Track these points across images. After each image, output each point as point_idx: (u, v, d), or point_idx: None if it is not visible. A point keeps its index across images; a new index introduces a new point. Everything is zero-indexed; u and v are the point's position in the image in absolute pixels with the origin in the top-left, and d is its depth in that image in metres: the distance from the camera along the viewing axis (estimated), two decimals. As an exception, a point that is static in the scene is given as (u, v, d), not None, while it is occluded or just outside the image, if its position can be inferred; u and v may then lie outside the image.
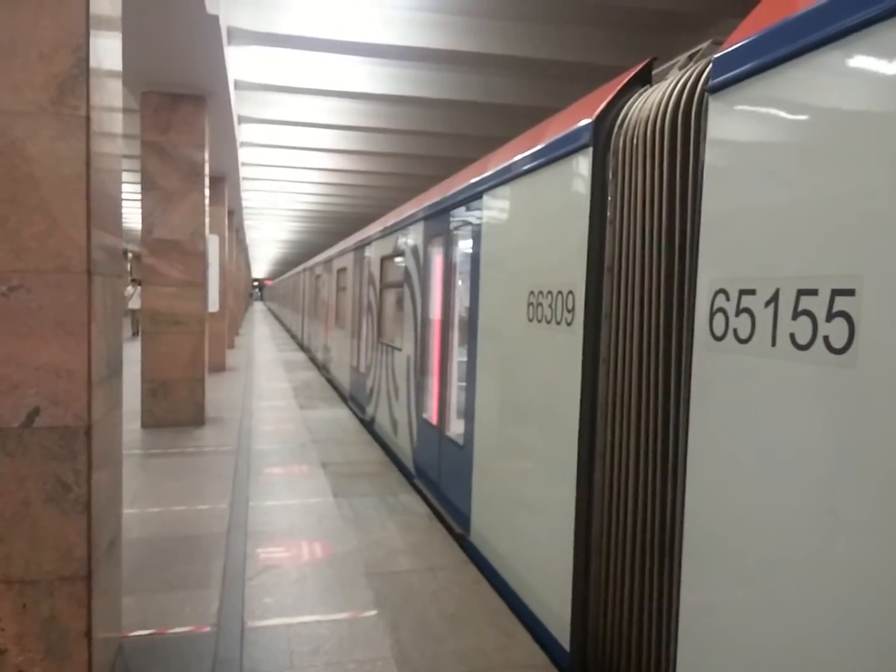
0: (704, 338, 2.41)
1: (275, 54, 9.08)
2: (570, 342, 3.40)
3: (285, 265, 60.40)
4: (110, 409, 2.91)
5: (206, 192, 8.81)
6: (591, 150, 3.31)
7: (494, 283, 4.59)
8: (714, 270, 2.38)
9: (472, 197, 5.07)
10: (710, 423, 2.40)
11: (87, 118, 2.52)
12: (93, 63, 2.55)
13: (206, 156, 8.75)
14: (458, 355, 5.62)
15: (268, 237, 37.31)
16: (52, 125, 2.48)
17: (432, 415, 6.18)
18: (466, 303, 5.26)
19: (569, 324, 3.45)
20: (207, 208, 8.91)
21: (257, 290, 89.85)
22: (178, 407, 8.63)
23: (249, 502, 5.71)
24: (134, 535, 4.76)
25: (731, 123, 2.37)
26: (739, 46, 2.32)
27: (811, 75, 2.02)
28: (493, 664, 3.33)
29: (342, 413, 10.30)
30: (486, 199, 4.76)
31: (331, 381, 14.25)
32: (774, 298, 2.08)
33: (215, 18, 6.09)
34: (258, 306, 77.04)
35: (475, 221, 5.01)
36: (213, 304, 10.22)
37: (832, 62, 1.94)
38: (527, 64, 8.15)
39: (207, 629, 3.58)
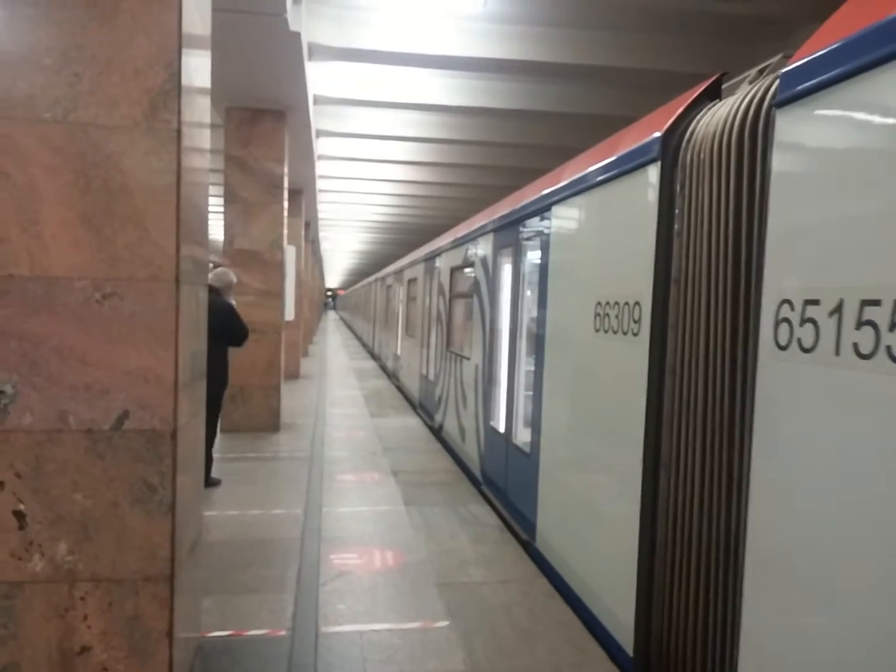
0: (769, 347, 2.44)
1: (352, 69, 9.25)
2: (636, 352, 3.46)
3: (357, 275, 61.41)
4: (194, 413, 3.00)
5: (285, 204, 9.05)
6: (659, 163, 3.39)
7: (562, 294, 4.70)
8: (779, 281, 2.42)
9: (541, 209, 5.16)
10: (774, 433, 2.43)
11: (179, 132, 2.61)
12: (184, 80, 2.65)
13: (286, 169, 8.99)
14: (526, 365, 5.69)
15: (341, 248, 38.03)
16: (146, 139, 2.58)
17: (500, 423, 6.30)
18: (534, 313, 5.38)
19: (635, 334, 3.50)
20: (286, 220, 9.14)
21: (330, 299, 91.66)
22: (254, 413, 8.84)
23: (323, 508, 5.78)
24: (213, 537, 4.89)
25: (798, 138, 2.44)
26: (804, 63, 2.39)
27: (875, 90, 2.07)
28: (567, 683, 3.26)
29: (412, 421, 10.35)
30: (555, 210, 4.85)
31: (400, 389, 14.49)
32: (838, 309, 2.11)
33: (297, 35, 6.25)
34: (331, 315, 78.58)
35: (544, 233, 5.09)
36: (289, 313, 10.44)
37: (892, 78, 1.98)
38: (600, 73, 8.05)
39: (283, 633, 3.62)
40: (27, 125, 2.50)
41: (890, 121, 2.01)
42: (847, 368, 2.06)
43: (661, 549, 3.28)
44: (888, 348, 1.91)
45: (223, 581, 4.22)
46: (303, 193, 14.67)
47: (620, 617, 3.54)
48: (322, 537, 5.08)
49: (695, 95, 3.41)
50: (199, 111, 2.98)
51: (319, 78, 9.25)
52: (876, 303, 1.96)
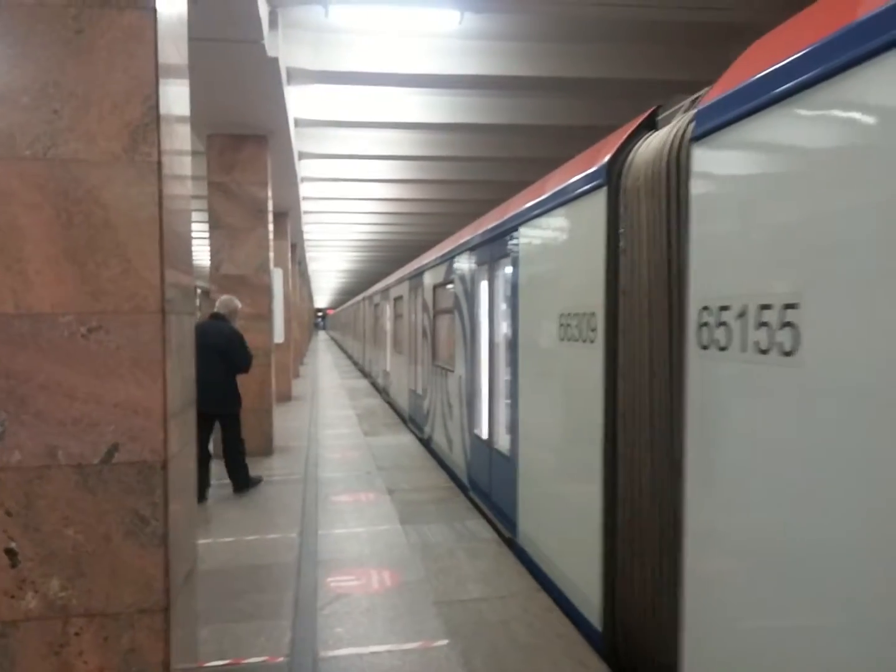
0: (694, 347, 2.84)
1: (332, 91, 9.33)
2: (594, 357, 3.90)
3: (346, 294, 61.41)
4: (185, 442, 3.00)
5: (270, 227, 9.07)
6: (605, 188, 3.78)
7: (531, 307, 5.14)
8: (699, 291, 2.84)
9: (510, 229, 5.60)
10: (702, 423, 2.82)
11: (159, 163, 2.63)
12: (163, 111, 2.67)
13: (270, 192, 9.03)
14: (504, 374, 6.05)
15: (329, 268, 38.05)
16: (126, 172, 2.60)
17: (483, 430, 6.69)
18: (508, 326, 5.80)
19: (592, 342, 3.94)
20: (272, 243, 9.16)
21: (320, 319, 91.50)
22: (247, 437, 8.78)
23: (318, 531, 5.77)
24: (208, 565, 4.86)
25: (709, 168, 2.87)
26: (711, 105, 2.83)
27: (766, 128, 2.49)
28: (568, 696, 3.26)
29: (406, 439, 10.34)
30: (521, 230, 5.31)
31: (391, 405, 14.76)
32: (744, 313, 2.51)
33: (275, 61, 6.31)
34: (321, 335, 78.41)
35: (513, 251, 5.53)
36: (279, 336, 10.44)
37: (782, 119, 2.39)
38: (580, 84, 8.15)
39: (281, 659, 3.61)
40: (7, 163, 2.51)
41: (778, 156, 2.44)
42: (751, 363, 2.46)
43: (620, 532, 3.65)
44: (780, 344, 2.31)
45: (220, 609, 4.20)
46: (288, 216, 14.71)
47: (590, 597, 3.94)
48: (318, 560, 5.06)
49: (634, 127, 3.83)
50: (179, 140, 3.00)
51: (300, 101, 9.32)
52: (768, 307, 2.37)
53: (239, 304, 7.20)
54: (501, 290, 6.09)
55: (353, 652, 3.67)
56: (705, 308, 2.76)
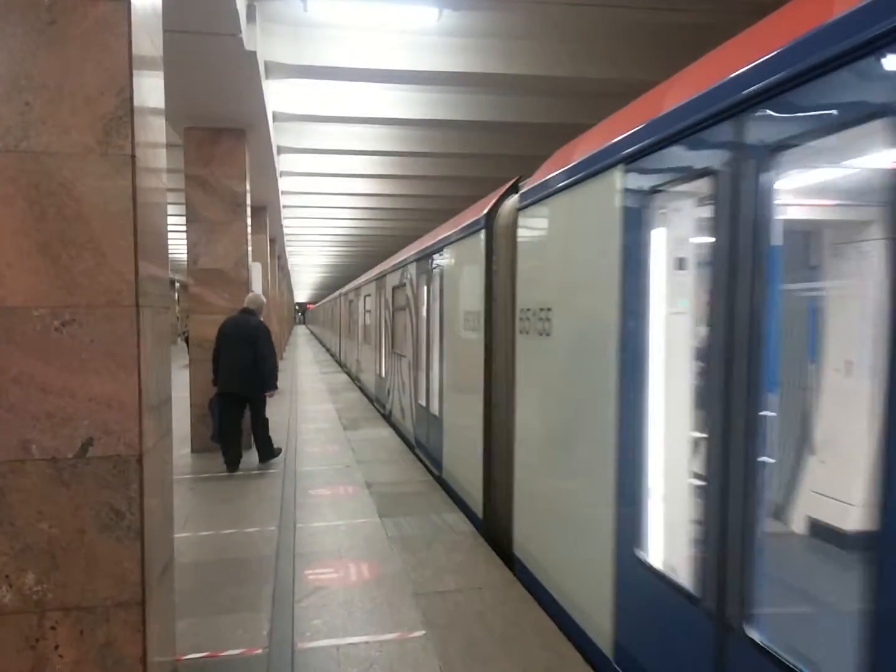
0: (518, 332, 4.81)
1: (310, 86, 9.29)
2: (479, 342, 5.73)
3: (325, 289, 61.18)
4: (161, 436, 3.00)
5: (248, 221, 9.02)
6: (484, 230, 5.65)
7: (449, 307, 7.03)
8: (521, 300, 4.75)
9: (436, 250, 7.60)
10: (521, 373, 4.77)
11: (133, 156, 2.62)
12: (137, 103, 2.66)
13: (248, 186, 8.97)
14: (436, 356, 7.71)
15: (309, 262, 37.91)
16: (100, 165, 2.59)
17: (423, 399, 8.47)
18: (436, 320, 7.61)
19: (478, 331, 5.78)
20: (250, 237, 9.12)
21: (299, 314, 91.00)
22: (225, 432, 8.78)
23: (297, 524, 5.78)
24: (186, 558, 4.85)
25: (524, 227, 4.79)
26: (525, 190, 4.70)
27: (545, 208, 4.34)
28: (543, 685, 3.30)
29: (385, 433, 10.36)
30: (444, 251, 7.20)
31: (363, 390, 16.23)
32: (538, 314, 4.35)
33: (253, 54, 6.27)
34: (300, 330, 78.06)
35: (439, 267, 7.52)
36: (257, 330, 10.39)
37: (551, 204, 4.22)
38: (557, 82, 8.18)
39: (259, 651, 3.62)
40: (-22, 156, 2.49)
41: (547, 225, 4.35)
42: (538, 340, 4.37)
43: (491, 454, 5.57)
44: (546, 329, 4.21)
45: (197, 602, 4.20)
46: (266, 210, 14.63)
47: (477, 498, 5.90)
48: (297, 553, 5.08)
49: (503, 191, 5.61)
50: (153, 133, 3.00)
51: (278, 95, 9.27)
52: (543, 310, 4.28)
53: (264, 300, 8.44)
54: (434, 293, 7.78)
55: (330, 643, 3.69)
56: (522, 310, 4.71)
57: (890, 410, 1.81)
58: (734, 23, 6.66)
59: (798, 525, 3.57)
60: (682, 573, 2.81)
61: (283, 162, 12.76)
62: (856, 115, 1.96)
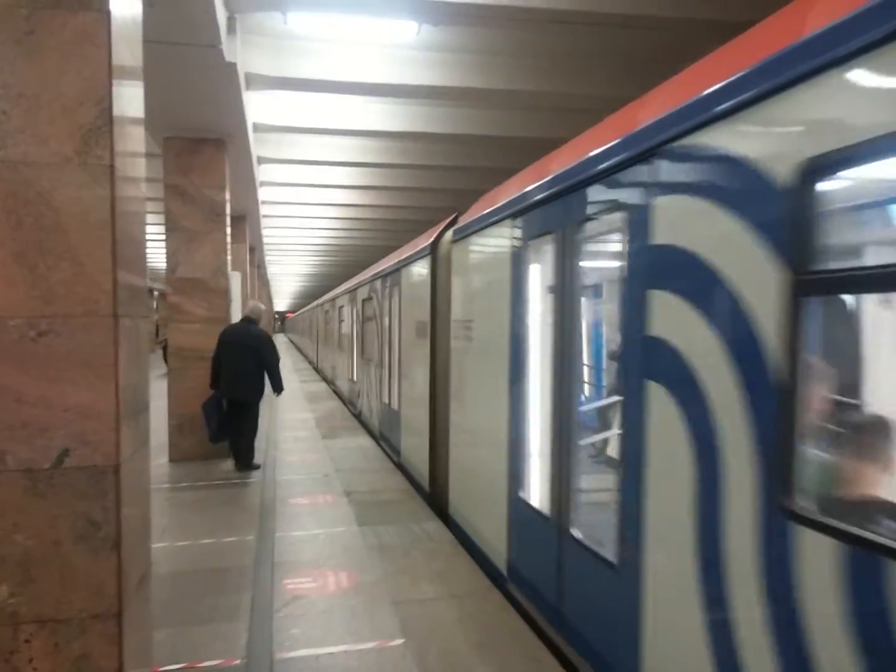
0: (452, 338, 6.00)
1: (291, 97, 9.31)
2: (427, 346, 7.04)
3: (305, 298, 60.93)
4: (138, 447, 2.99)
5: (228, 230, 9.00)
6: (430, 255, 7.03)
7: (406, 318, 8.32)
8: (454, 313, 5.98)
9: (395, 270, 9.10)
10: (455, 371, 5.98)
11: (112, 167, 2.62)
12: (116, 112, 2.66)
13: (227, 196, 8.96)
14: (396, 359, 9.02)
15: (288, 272, 37.76)
16: (78, 175, 2.59)
17: (385, 397, 9.96)
18: (395, 329, 8.97)
19: (426, 337, 7.07)
20: (229, 246, 9.09)
21: (279, 322, 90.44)
22: (204, 440, 8.71)
23: (276, 533, 5.76)
24: (164, 569, 4.82)
25: (457, 256, 6.01)
26: (456, 227, 6.06)
27: (468, 244, 5.65)
28: (520, 692, 3.32)
29: (364, 442, 10.35)
30: (402, 271, 8.59)
31: (337, 394, 17.38)
32: (464, 324, 5.64)
33: (233, 66, 6.29)
34: (280, 338, 77.50)
35: (397, 283, 8.94)
36: (237, 340, 10.34)
37: (471, 241, 5.56)
38: (531, 97, 8.28)
39: (237, 662, 3.61)
40: (-45, 165, 2.49)
41: (469, 257, 5.68)
42: (464, 344, 5.66)
43: (435, 435, 6.88)
44: (469, 336, 5.51)
45: (175, 613, 4.17)
46: (246, 219, 14.59)
47: (423, 472, 7.28)
48: (275, 563, 5.06)
49: (445, 224, 6.97)
50: (133, 142, 3.00)
51: (259, 106, 9.28)
52: (466, 321, 5.60)
53: (263, 308, 9.13)
54: (394, 306, 9.14)
55: (309, 653, 3.69)
56: (454, 321, 5.96)
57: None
58: (701, 44, 6.81)
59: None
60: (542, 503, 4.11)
61: (263, 172, 12.75)
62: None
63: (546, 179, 3.99)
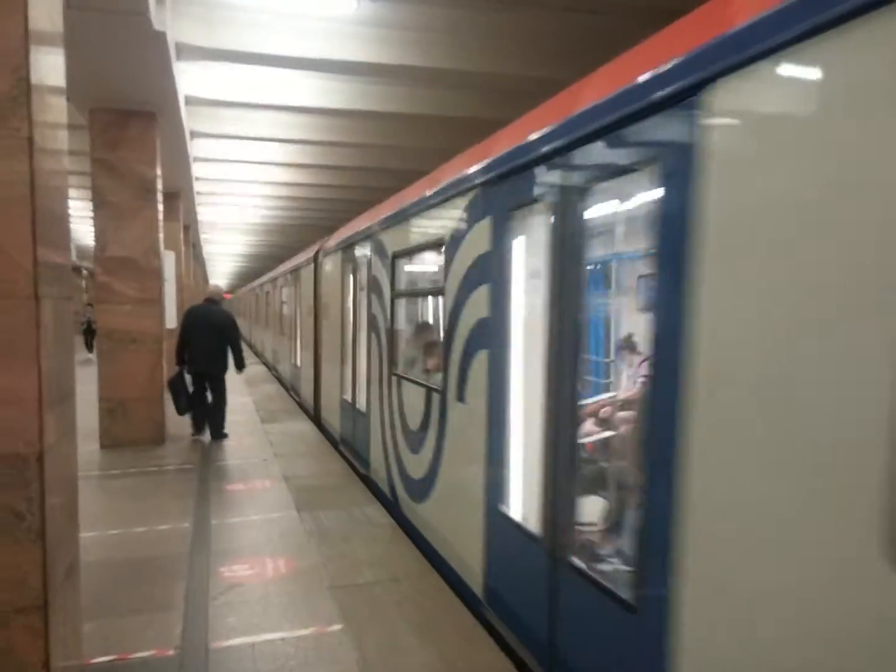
0: (323, 319, 10.29)
1: (225, 70, 9.01)
2: (311, 323, 10.99)
3: (243, 278, 59.70)
4: (63, 433, 2.87)
5: (160, 208, 8.70)
6: (314, 263, 10.74)
7: (303, 303, 12.10)
8: (321, 303, 10.25)
9: (294, 269, 13.44)
10: (320, 340, 10.42)
11: (30, 139, 2.49)
12: (34, 81, 2.52)
13: (159, 172, 8.64)
14: (298, 334, 12.84)
15: (225, 251, 36.85)
16: (-6, 148, 2.44)
17: (295, 360, 13.53)
18: (299, 311, 12.21)
19: (311, 317, 10.88)
20: (161, 224, 8.79)
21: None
22: (136, 426, 8.48)
23: (212, 520, 5.64)
24: (94, 558, 4.66)
25: (321, 269, 10.44)
26: (320, 249, 10.62)
27: (328, 261, 9.82)
28: (459, 672, 3.36)
29: (304, 426, 10.24)
30: (300, 270, 12.36)
31: (279, 380, 17.21)
32: (325, 309, 10.06)
33: (163, 34, 6.04)
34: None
35: (296, 282, 13.10)
36: (171, 321, 10.07)
37: (328, 259, 9.86)
38: (472, 77, 8.23)
39: (171, 652, 3.53)
40: None
41: (328, 269, 9.90)
42: (326, 322, 9.91)
43: (319, 383, 10.21)
44: (329, 316, 9.72)
45: (106, 604, 4.05)
46: (180, 196, 14.14)
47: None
48: (211, 550, 4.96)
49: (325, 240, 10.00)
50: (53, 113, 2.85)
51: (192, 79, 8.96)
52: (327, 304, 9.69)
53: (223, 289, 11.63)
54: (300, 293, 12.88)
55: (245, 641, 3.63)
56: (321, 305, 10.01)
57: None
58: (642, 28, 6.89)
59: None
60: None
61: (197, 147, 12.36)
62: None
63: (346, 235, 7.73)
